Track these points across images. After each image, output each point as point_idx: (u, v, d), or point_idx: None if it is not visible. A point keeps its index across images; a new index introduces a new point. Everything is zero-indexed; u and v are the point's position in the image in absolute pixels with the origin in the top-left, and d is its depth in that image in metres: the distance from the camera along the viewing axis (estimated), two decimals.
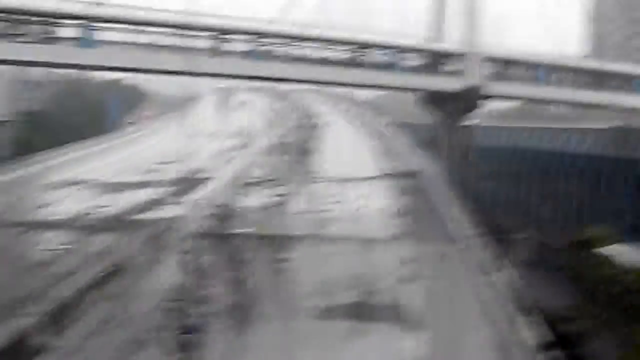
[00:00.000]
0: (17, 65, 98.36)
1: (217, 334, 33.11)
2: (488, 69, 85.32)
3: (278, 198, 62.10)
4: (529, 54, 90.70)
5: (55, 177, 74.00)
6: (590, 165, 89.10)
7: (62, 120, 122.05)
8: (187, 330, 29.15)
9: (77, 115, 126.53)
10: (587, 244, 54.57)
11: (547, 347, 32.29)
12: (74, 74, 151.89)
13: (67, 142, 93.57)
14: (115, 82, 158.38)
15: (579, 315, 50.36)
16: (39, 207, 60.21)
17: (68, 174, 75.92)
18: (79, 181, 72.65)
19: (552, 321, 40.54)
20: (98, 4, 64.50)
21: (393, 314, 36.28)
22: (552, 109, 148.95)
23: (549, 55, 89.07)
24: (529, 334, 33.26)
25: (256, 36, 72.06)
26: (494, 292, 40.56)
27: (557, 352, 34.08)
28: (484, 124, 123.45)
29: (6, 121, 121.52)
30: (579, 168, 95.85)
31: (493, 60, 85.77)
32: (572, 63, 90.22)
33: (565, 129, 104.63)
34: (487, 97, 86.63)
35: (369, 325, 35.63)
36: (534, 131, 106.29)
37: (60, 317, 33.79)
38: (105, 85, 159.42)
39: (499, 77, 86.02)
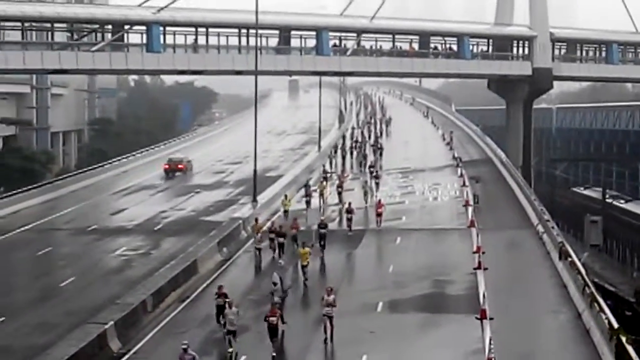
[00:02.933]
0: (87, 74, 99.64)
1: None
2: (558, 51, 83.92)
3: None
4: (600, 32, 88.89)
5: (129, 183, 74.43)
6: None
7: (133, 126, 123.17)
8: None
9: (149, 120, 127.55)
10: None
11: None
12: (145, 79, 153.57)
13: (139, 148, 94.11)
14: (186, 85, 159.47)
15: None
16: (112, 213, 60.65)
17: (140, 179, 76.31)
18: (152, 185, 73.15)
19: None
20: (161, 9, 64.83)
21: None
22: (628, 87, 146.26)
23: (621, 33, 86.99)
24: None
25: (322, 31, 71.69)
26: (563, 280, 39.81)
27: None
28: (556, 106, 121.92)
29: (78, 130, 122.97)
30: None
31: (562, 41, 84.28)
32: None
33: None
34: (558, 78, 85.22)
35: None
36: (608, 111, 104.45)
37: None
38: (176, 88, 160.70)
39: (569, 58, 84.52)
